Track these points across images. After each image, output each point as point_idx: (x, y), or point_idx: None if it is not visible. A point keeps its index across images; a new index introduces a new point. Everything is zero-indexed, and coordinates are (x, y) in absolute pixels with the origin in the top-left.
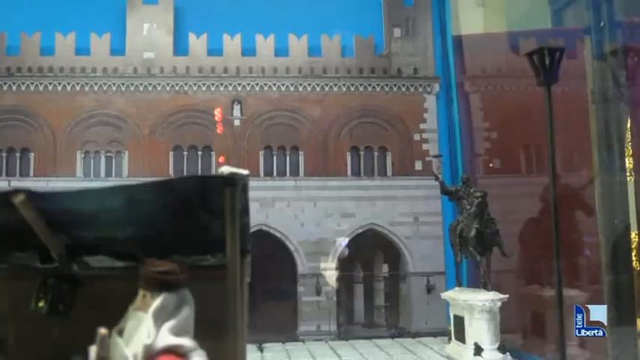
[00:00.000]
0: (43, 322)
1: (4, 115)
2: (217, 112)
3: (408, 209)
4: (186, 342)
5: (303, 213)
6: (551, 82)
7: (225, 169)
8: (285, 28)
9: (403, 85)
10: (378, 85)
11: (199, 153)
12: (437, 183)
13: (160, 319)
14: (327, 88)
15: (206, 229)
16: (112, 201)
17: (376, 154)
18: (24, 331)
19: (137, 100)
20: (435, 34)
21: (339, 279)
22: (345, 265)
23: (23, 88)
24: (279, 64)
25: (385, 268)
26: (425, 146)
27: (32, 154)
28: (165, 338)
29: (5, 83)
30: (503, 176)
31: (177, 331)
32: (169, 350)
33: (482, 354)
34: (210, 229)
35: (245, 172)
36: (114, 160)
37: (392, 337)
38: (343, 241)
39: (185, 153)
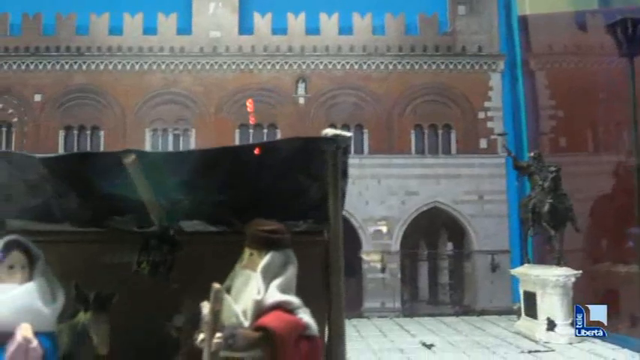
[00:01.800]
0: (145, 283)
1: (75, 93)
2: (249, 104)
3: (473, 187)
4: (294, 299)
5: (368, 191)
6: (634, 53)
7: (329, 131)
8: (349, 7)
9: (468, 63)
10: (442, 63)
11: (265, 131)
12: (500, 162)
13: (267, 276)
14: (390, 67)
15: (304, 194)
16: (216, 162)
17: (440, 132)
18: (126, 292)
19: (203, 79)
20: (499, 11)
21: (404, 256)
22: (409, 243)
23: (93, 67)
24: (343, 42)
25: (449, 246)
26: (489, 124)
27: (102, 131)
28: (274, 295)
29: (75, 62)
30: (569, 154)
31: (283, 289)
32: (278, 306)
33: (556, 329)
34: (307, 193)
35: (348, 134)
36: (181, 137)
37: (456, 314)
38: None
39: (251, 131)
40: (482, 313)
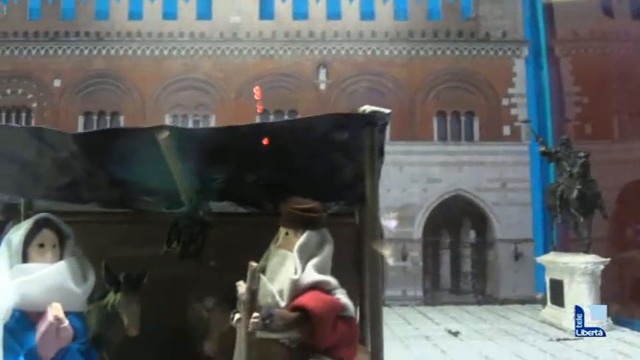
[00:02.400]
0: (175, 264)
1: (95, 79)
2: (256, 91)
3: (496, 175)
4: (331, 279)
5: (389, 178)
6: None
7: (367, 108)
8: None
9: (491, 49)
10: (465, 48)
11: (285, 117)
12: (524, 149)
13: (304, 256)
14: (413, 52)
15: (337, 174)
16: (250, 138)
17: (463, 118)
18: (156, 273)
19: (223, 65)
20: None
21: (426, 244)
22: (431, 231)
23: (112, 52)
24: (365, 27)
25: (472, 234)
26: (513, 111)
27: (122, 117)
28: (311, 275)
29: (95, 48)
30: (595, 142)
31: (320, 269)
32: (315, 286)
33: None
34: (341, 173)
35: (387, 110)
36: (201, 123)
37: (478, 303)
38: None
39: (271, 117)
40: (505, 302)
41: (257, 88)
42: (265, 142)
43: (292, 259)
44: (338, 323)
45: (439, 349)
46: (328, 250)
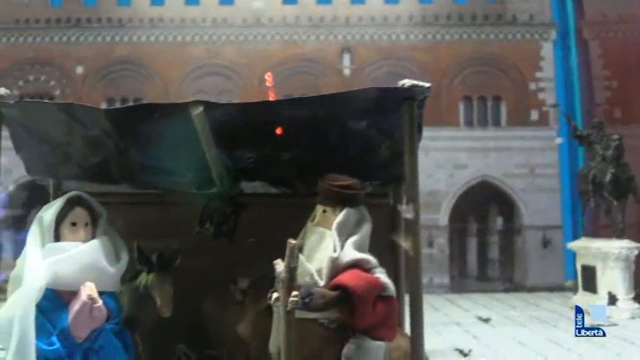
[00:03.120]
0: (208, 245)
1: (117, 65)
2: (268, 77)
3: (523, 161)
4: (371, 258)
5: None
6: None
7: (407, 82)
8: None
9: (518, 32)
10: (491, 32)
11: None
12: (552, 135)
13: (343, 234)
14: (438, 36)
15: (373, 152)
16: (286, 113)
17: (490, 103)
18: (189, 254)
19: (246, 50)
20: None
21: (452, 231)
22: (457, 217)
23: (134, 38)
24: (389, 12)
25: (499, 221)
26: (541, 95)
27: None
28: (351, 253)
29: (117, 34)
30: (624, 126)
31: (359, 247)
32: (355, 265)
33: (617, 304)
34: (376, 152)
35: (427, 84)
36: None
37: (506, 291)
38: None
39: None
40: (533, 289)
41: (268, 74)
42: (302, 117)
43: (330, 237)
44: (378, 303)
45: (471, 335)
46: (366, 228)
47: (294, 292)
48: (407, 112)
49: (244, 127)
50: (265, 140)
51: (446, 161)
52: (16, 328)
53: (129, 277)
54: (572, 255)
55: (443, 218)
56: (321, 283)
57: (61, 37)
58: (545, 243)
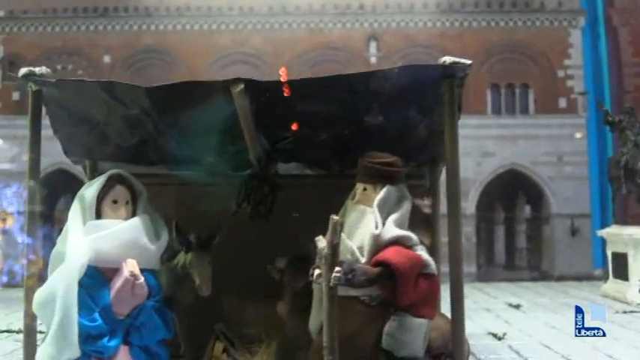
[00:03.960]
0: (245, 225)
1: (144, 54)
2: (282, 73)
3: (551, 148)
4: (413, 235)
5: None
6: None
7: (447, 59)
8: None
9: (546, 19)
10: (519, 19)
11: None
12: (581, 122)
13: (384, 211)
14: (465, 24)
15: (410, 132)
16: (326, 90)
17: (518, 91)
18: (226, 234)
19: (273, 39)
20: None
21: (479, 220)
22: (485, 206)
23: (161, 27)
24: None
25: (527, 209)
26: (569, 83)
27: None
28: (392, 230)
29: (144, 23)
30: None
31: (400, 225)
32: (396, 242)
33: None
34: (414, 132)
35: (468, 61)
36: None
37: (533, 280)
38: None
39: None
40: (561, 278)
41: (283, 69)
42: (341, 95)
43: (371, 215)
44: (419, 280)
45: (502, 320)
46: (407, 206)
47: (337, 268)
48: (447, 91)
49: (283, 106)
50: (304, 119)
51: (473, 149)
52: (59, 304)
53: (166, 257)
54: (601, 243)
55: (470, 206)
56: (363, 260)
57: (88, 27)
58: (574, 231)
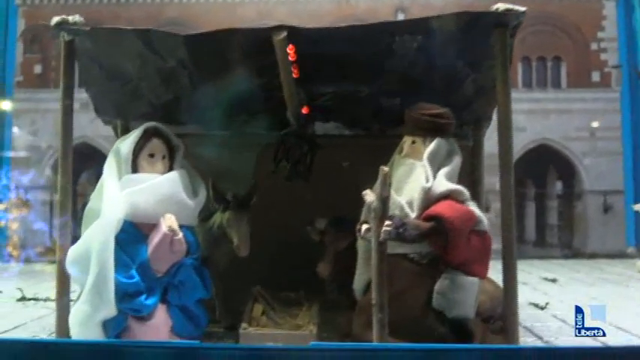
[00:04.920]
0: (284, 184)
1: (167, 27)
2: (290, 51)
3: (584, 123)
4: (464, 189)
5: None
6: None
7: (500, 5)
8: None
9: None
10: None
11: None
12: (614, 96)
13: (435, 164)
14: None
15: (456, 88)
16: (371, 39)
17: (549, 64)
18: (264, 195)
19: (298, 11)
20: None
21: None
22: (515, 181)
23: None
24: None
25: (559, 185)
26: (603, 56)
27: None
28: (443, 183)
29: None
30: None
31: (451, 179)
32: (448, 195)
33: None
34: (460, 88)
35: (522, 8)
36: None
37: (565, 257)
38: None
39: None
40: (593, 256)
41: (290, 47)
42: (385, 46)
43: (421, 168)
44: (472, 236)
45: (541, 292)
46: (457, 161)
47: (387, 222)
48: (499, 40)
49: (326, 58)
50: (346, 73)
51: None
52: (94, 261)
53: (202, 217)
54: (635, 220)
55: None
56: (413, 215)
57: None
58: (607, 208)
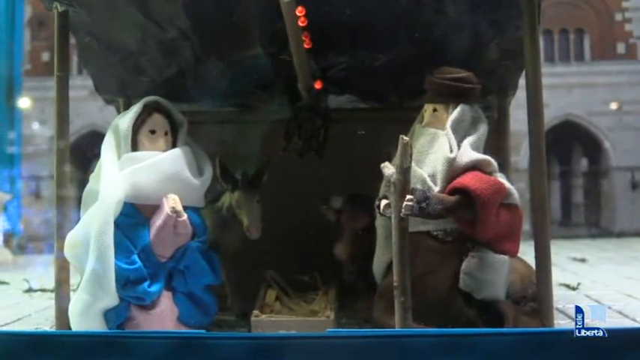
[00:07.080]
0: (296, 161)
1: None
2: (299, 13)
3: (610, 97)
4: (492, 159)
5: None
6: None
7: None
8: None
9: None
10: None
11: None
12: None
13: (459, 133)
14: None
15: (479, 54)
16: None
17: (572, 37)
18: (276, 173)
19: None
20: None
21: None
22: None
23: None
24: None
25: (584, 162)
26: (628, 27)
27: None
28: (469, 153)
29: None
30: None
31: (477, 148)
32: (475, 166)
33: None
34: (483, 53)
35: None
36: None
37: (592, 236)
38: None
39: None
40: (621, 235)
41: (300, 9)
42: (403, 7)
43: (444, 137)
44: (501, 211)
45: (570, 272)
46: (483, 129)
47: (408, 197)
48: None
49: (338, 22)
50: (361, 39)
51: (525, 100)
52: (93, 246)
53: (210, 198)
54: None
55: (523, 160)
56: (436, 188)
57: None
58: (635, 185)
